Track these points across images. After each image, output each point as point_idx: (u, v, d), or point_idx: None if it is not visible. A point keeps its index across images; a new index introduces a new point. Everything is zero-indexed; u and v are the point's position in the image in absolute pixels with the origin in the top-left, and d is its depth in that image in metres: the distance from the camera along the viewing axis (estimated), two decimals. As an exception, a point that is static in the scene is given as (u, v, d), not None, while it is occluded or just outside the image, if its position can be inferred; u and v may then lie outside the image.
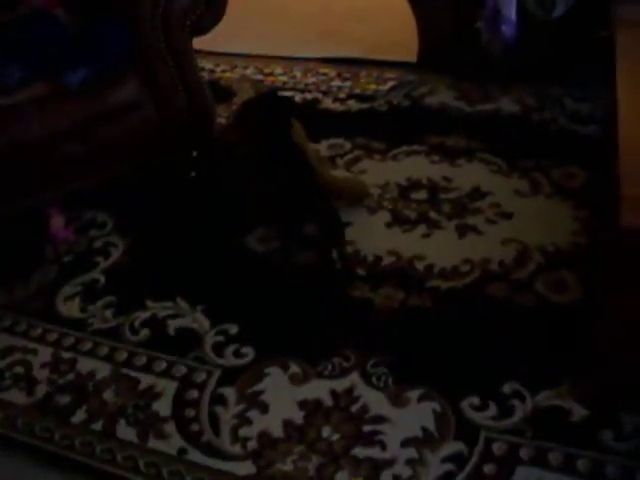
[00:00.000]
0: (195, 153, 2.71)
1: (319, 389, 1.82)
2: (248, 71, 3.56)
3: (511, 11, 3.10)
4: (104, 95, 2.37)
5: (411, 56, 3.42)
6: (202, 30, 2.51)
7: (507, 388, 1.76)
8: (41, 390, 1.96)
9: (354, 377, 1.84)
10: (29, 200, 2.38)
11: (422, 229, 2.33)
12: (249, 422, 1.77)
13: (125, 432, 1.80)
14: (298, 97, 3.25)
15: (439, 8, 3.32)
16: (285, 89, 3.34)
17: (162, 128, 2.51)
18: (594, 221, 2.29)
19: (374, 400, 1.77)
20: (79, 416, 1.86)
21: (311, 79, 3.41)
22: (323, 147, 2.81)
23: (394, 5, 3.43)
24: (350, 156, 2.75)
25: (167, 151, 2.58)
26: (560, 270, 2.12)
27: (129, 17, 2.38)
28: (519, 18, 3.12)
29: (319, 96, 3.24)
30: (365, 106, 3.12)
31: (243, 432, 1.74)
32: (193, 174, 2.72)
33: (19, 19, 2.33)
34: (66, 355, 2.05)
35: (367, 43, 3.67)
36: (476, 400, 1.74)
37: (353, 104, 3.14)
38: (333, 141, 2.85)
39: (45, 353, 2.07)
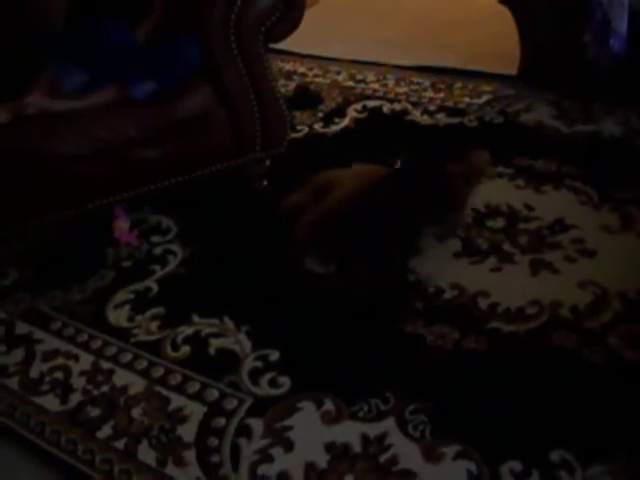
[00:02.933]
0: (268, 163, 2.61)
1: (350, 432, 1.69)
2: (340, 77, 3.45)
3: (622, 24, 2.85)
4: (174, 105, 2.31)
5: (511, 68, 3.20)
6: (278, 37, 2.41)
7: (555, 456, 1.57)
8: (75, 399, 1.91)
9: (389, 422, 1.69)
10: (96, 203, 2.34)
11: (492, 262, 2.15)
12: (270, 459, 1.66)
13: (146, 454, 1.73)
14: (387, 107, 3.09)
15: (543, 19, 3.09)
16: (375, 97, 3.19)
17: (234, 138, 2.44)
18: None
19: (406, 451, 1.62)
20: (105, 431, 1.80)
21: (403, 88, 3.26)
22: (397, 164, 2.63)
23: (497, 14, 3.22)
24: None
25: (239, 161, 2.49)
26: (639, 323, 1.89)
27: (200, 24, 2.30)
28: (630, 32, 2.85)
29: (408, 107, 3.08)
30: (454, 121, 2.95)
31: (262, 470, 1.64)
32: (265, 183, 2.62)
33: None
34: (105, 365, 2.00)
35: (466, 52, 3.50)
36: (518, 466, 1.56)
37: (442, 118, 2.97)
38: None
39: (86, 361, 2.03)
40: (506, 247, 2.19)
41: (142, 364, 1.98)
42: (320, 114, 3.08)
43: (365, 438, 1.67)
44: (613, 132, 2.78)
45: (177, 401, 1.85)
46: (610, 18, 2.84)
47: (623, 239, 2.20)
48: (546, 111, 2.92)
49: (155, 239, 2.45)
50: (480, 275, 2.10)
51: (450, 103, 3.09)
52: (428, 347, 1.89)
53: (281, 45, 2.59)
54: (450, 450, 1.61)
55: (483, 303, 2.00)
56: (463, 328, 1.92)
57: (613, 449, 1.55)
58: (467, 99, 3.12)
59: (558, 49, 3.05)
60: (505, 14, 3.12)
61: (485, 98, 3.11)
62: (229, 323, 2.05)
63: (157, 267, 2.32)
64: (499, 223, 2.30)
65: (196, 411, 1.81)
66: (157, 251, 2.40)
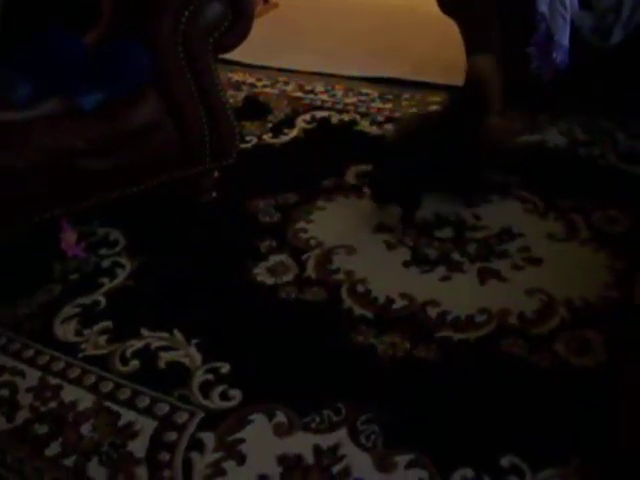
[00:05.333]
0: (216, 174, 2.60)
1: (302, 443, 1.69)
2: (289, 87, 3.45)
3: (564, 37, 2.90)
4: (121, 115, 2.28)
5: (459, 79, 3.23)
6: (227, 47, 2.41)
7: (506, 462, 1.59)
8: (22, 416, 1.87)
9: (342, 433, 1.69)
10: (42, 215, 2.29)
11: (442, 271, 2.17)
12: (223, 473, 1.65)
13: (96, 471, 1.70)
14: (335, 118, 3.10)
15: (486, 29, 3.13)
16: (324, 108, 3.20)
17: (182, 149, 2.42)
18: (631, 276, 2.09)
19: (359, 462, 1.63)
20: (53, 449, 1.76)
21: (351, 99, 3.28)
22: (350, 176, 2.65)
23: (444, 24, 3.25)
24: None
25: (187, 172, 2.47)
26: (585, 329, 1.93)
27: (148, 32, 2.28)
28: (572, 45, 2.91)
29: (357, 117, 3.10)
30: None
31: (215, 484, 1.61)
32: (214, 195, 2.61)
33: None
34: (53, 381, 1.96)
35: (414, 63, 3.54)
36: (469, 473, 1.57)
37: (390, 128, 2.98)
38: (362, 168, 2.68)
39: (33, 377, 1.99)
40: (455, 256, 2.22)
41: (91, 379, 1.95)
42: (269, 125, 3.07)
43: (318, 449, 1.66)
44: (558, 142, 2.83)
45: (127, 416, 1.82)
46: (553, 32, 2.89)
47: (568, 247, 2.24)
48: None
49: (103, 251, 2.41)
50: (429, 284, 2.12)
51: (398, 114, 3.12)
52: (379, 356, 1.88)
53: (230, 56, 2.59)
54: (402, 459, 1.62)
55: (433, 312, 2.01)
56: (413, 337, 1.94)
57: (563, 453, 1.57)
58: (415, 110, 3.15)
59: (503, 61, 3.09)
60: (451, 24, 3.16)
61: (432, 108, 3.13)
62: (179, 336, 2.03)
63: (105, 280, 2.29)
64: (447, 233, 2.33)
65: (147, 426, 1.78)
66: (105, 264, 2.36)
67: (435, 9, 3.02)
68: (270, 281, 2.18)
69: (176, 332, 2.05)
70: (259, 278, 2.19)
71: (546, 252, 2.22)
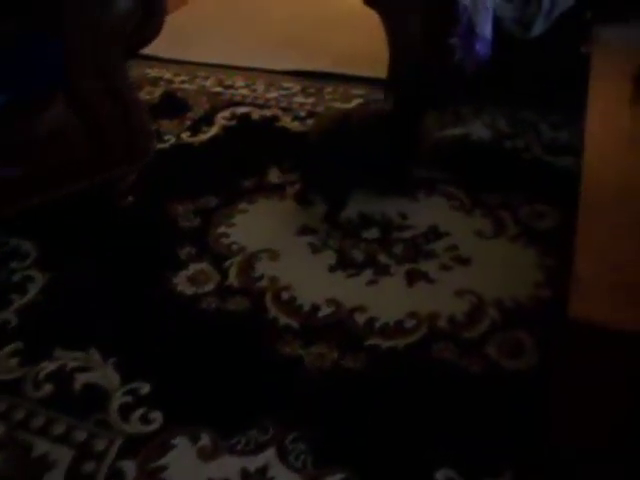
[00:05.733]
0: (133, 177, 2.47)
1: (229, 467, 1.60)
2: (208, 82, 3.33)
3: (486, 29, 2.86)
4: (28, 118, 2.12)
5: (381, 71, 3.17)
6: (138, 44, 2.27)
7: (440, 476, 1.53)
8: None
9: (270, 454, 1.61)
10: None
11: (368, 274, 2.10)
12: (146, 505, 1.53)
13: (8, 510, 1.56)
14: (256, 114, 3.00)
15: (410, 22, 3.07)
16: (244, 104, 3.10)
17: (95, 153, 2.28)
18: (560, 273, 2.06)
19: (288, 484, 1.54)
20: (-40, 487, 1.62)
21: (272, 94, 3.18)
22: (273, 175, 2.55)
23: (366, 15, 3.18)
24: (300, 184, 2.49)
25: (101, 177, 2.34)
26: (516, 330, 1.89)
27: (54, 29, 2.13)
28: (495, 36, 2.87)
29: (278, 113, 3.00)
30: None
31: (137, 517, 1.51)
32: (131, 199, 2.48)
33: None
34: (-41, 411, 1.81)
35: (336, 55, 3.46)
36: (403, 491, 1.50)
37: (313, 123, 2.89)
38: (285, 166, 2.60)
39: None
40: (382, 258, 2.16)
41: (1, 407, 1.81)
42: (188, 122, 2.96)
43: (245, 472, 1.58)
44: (482, 135, 2.80)
45: (41, 446, 1.70)
46: (475, 24, 2.85)
47: (496, 245, 2.20)
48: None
49: (13, 265, 2.26)
50: (356, 289, 2.05)
51: (321, 108, 3.04)
52: (307, 368, 1.81)
53: (146, 50, 2.45)
54: (333, 478, 1.54)
55: (361, 318, 1.95)
56: (341, 346, 1.87)
57: (498, 463, 1.52)
58: (338, 104, 3.08)
59: (426, 52, 3.04)
60: (374, 16, 3.09)
61: (355, 102, 3.07)
62: (95, 355, 1.92)
63: (15, 296, 2.14)
64: (374, 233, 2.26)
65: (63, 456, 1.67)
66: (16, 278, 2.21)
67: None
68: (190, 291, 2.07)
69: (92, 351, 1.93)
70: (179, 288, 2.09)
71: (474, 251, 2.17)
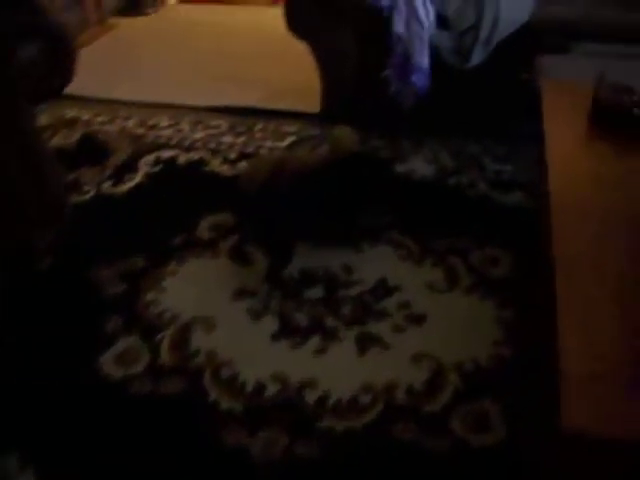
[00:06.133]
0: (51, 237, 2.23)
1: None
2: (130, 123, 3.10)
3: (423, 59, 2.72)
4: None
5: (314, 106, 3.00)
6: (46, 95, 2.06)
7: None
8: None
9: None
10: None
11: (316, 342, 1.91)
12: None
13: None
14: (182, 158, 2.78)
15: (342, 52, 2.91)
16: (169, 146, 2.87)
17: (2, 215, 2.03)
18: (519, 328, 1.91)
19: None
20: None
21: (199, 134, 2.97)
22: (204, 229, 2.34)
23: (297, 46, 3.00)
24: (234, 239, 2.29)
25: (12, 242, 2.09)
26: (480, 399, 1.72)
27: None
28: (432, 67, 2.73)
29: (206, 156, 2.79)
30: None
31: None
32: (49, 262, 2.24)
33: None
34: None
35: (266, 89, 3.28)
36: None
37: (244, 166, 2.69)
38: (217, 218, 2.39)
39: None
40: (328, 321, 1.97)
41: None
42: (109, 170, 2.72)
43: None
44: (425, 172, 2.65)
45: None
46: (411, 54, 2.71)
47: (450, 299, 2.05)
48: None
49: None
50: (303, 360, 1.86)
51: (251, 149, 2.84)
52: (255, 459, 1.60)
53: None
54: None
55: (311, 396, 1.75)
56: (292, 431, 1.67)
57: None
58: (269, 142, 2.89)
59: (360, 85, 2.89)
60: (305, 47, 2.93)
61: (289, 140, 2.88)
62: (10, 464, 1.66)
63: None
64: (318, 292, 2.08)
65: None
66: None
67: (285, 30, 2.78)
68: (119, 373, 1.85)
69: (6, 457, 1.67)
70: (105, 369, 1.86)
71: (428, 306, 2.00)
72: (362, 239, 2.29)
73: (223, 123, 3.05)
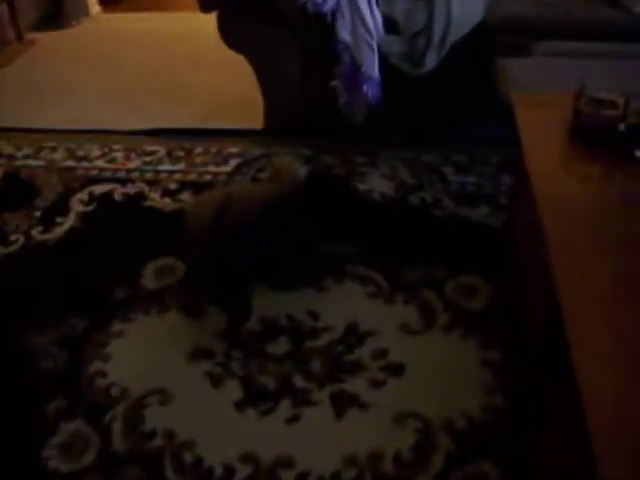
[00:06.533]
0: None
1: None
2: (57, 155, 2.83)
3: (373, 67, 2.51)
4: None
5: (257, 122, 2.77)
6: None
7: None
8: None
9: None
10: None
11: (286, 407, 1.70)
12: None
13: None
14: (118, 192, 2.52)
15: (283, 63, 2.68)
16: (103, 179, 2.61)
17: None
18: (507, 370, 1.72)
19: None
20: None
21: (135, 162, 2.72)
22: (148, 276, 2.10)
23: (234, 59, 2.77)
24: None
25: None
26: (478, 462, 1.54)
27: None
28: (383, 75, 2.52)
29: (144, 188, 2.54)
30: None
31: None
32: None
33: None
34: None
35: (203, 105, 3.06)
36: None
37: (187, 198, 2.46)
38: (162, 262, 2.15)
39: None
40: (298, 381, 1.77)
41: None
42: (37, 213, 2.45)
43: None
44: (384, 189, 2.45)
45: None
46: (360, 63, 2.50)
47: (429, 341, 1.86)
48: (304, 171, 2.51)
49: None
50: (274, 432, 1.65)
51: (193, 176, 2.60)
52: None
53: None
54: None
55: (287, 477, 1.53)
56: (269, 523, 1.45)
57: None
58: (212, 167, 2.65)
59: (306, 97, 2.67)
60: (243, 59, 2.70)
61: (233, 163, 2.65)
62: None
63: None
64: (283, 346, 1.87)
65: None
66: None
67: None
68: (66, 467, 1.61)
69: None
70: (50, 465, 1.61)
71: (406, 352, 1.82)
72: (325, 275, 2.06)
73: (159, 148, 2.80)
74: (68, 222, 2.41)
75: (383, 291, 2.02)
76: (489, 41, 2.46)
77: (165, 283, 2.10)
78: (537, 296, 1.64)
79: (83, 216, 2.43)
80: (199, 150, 2.77)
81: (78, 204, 2.50)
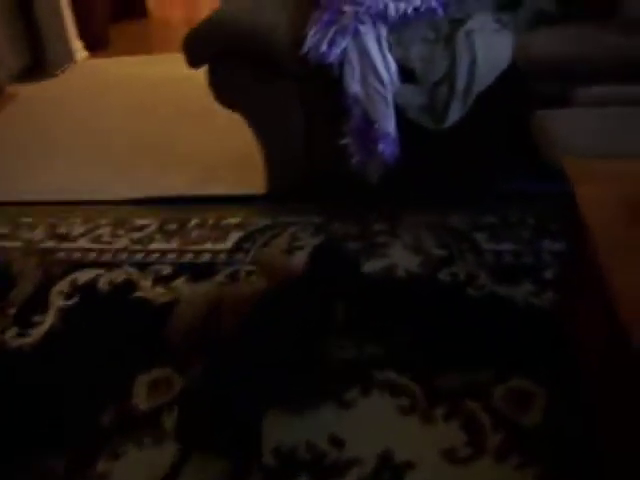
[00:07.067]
0: None
1: None
2: (36, 234, 2.49)
3: (388, 123, 2.18)
4: None
5: (259, 186, 2.44)
6: None
7: None
8: None
9: None
10: None
11: None
12: None
13: None
14: (104, 280, 2.20)
15: (286, 122, 2.35)
16: (86, 264, 2.29)
17: None
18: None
19: None
20: None
21: (122, 240, 2.40)
22: (139, 391, 1.77)
23: (231, 118, 2.46)
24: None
25: None
26: None
27: None
28: (400, 129, 2.19)
29: (133, 274, 2.21)
30: (200, 287, 2.11)
31: None
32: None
33: None
34: None
35: (198, 166, 2.75)
36: None
37: (182, 285, 2.13)
38: (155, 374, 1.82)
39: None
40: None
41: None
42: (12, 310, 2.13)
43: None
44: (408, 264, 2.12)
45: None
46: (373, 118, 2.18)
47: (480, 473, 1.50)
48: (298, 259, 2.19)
49: None
50: None
51: (189, 256, 2.28)
52: None
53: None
54: None
55: None
56: None
57: None
58: (210, 244, 2.32)
59: (312, 157, 2.34)
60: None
61: (234, 238, 2.32)
62: None
63: None
64: (302, 483, 1.52)
65: None
66: None
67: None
68: None
69: None
70: None
71: (454, 491, 1.46)
72: (347, 386, 1.72)
73: (150, 222, 2.48)
74: (47, 322, 2.07)
75: (419, 404, 1.69)
76: (520, 88, 2.12)
77: (160, 401, 1.76)
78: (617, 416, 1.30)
79: (63, 313, 2.11)
80: (195, 222, 2.46)
81: (58, 297, 2.17)
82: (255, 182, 2.51)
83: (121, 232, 2.46)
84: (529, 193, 2.34)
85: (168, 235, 2.41)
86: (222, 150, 2.84)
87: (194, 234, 2.40)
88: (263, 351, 1.57)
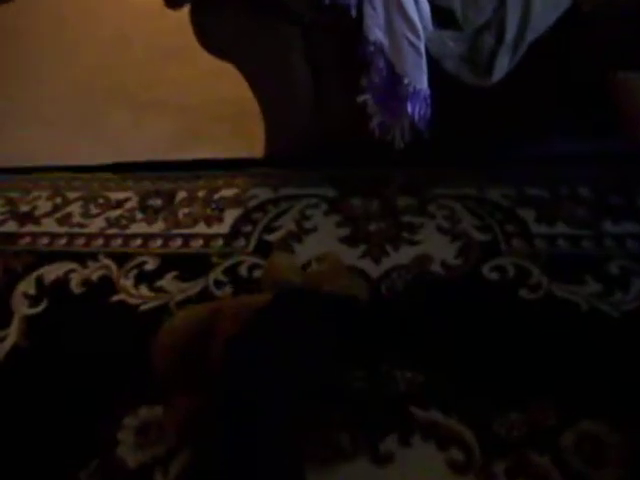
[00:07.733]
0: None
1: None
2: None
3: (420, 77, 1.76)
4: None
5: (259, 142, 2.04)
6: None
7: None
8: None
9: None
10: None
11: None
12: None
13: None
14: (75, 278, 1.82)
15: (289, 70, 1.94)
16: (55, 254, 1.90)
17: None
18: None
19: None
20: None
21: (99, 221, 2.00)
22: (126, 436, 1.44)
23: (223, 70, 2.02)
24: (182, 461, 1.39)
25: None
26: None
27: None
28: (433, 86, 1.77)
29: (112, 269, 1.83)
30: (193, 288, 1.74)
31: None
32: None
33: None
34: None
35: (185, 118, 2.30)
36: None
37: (170, 285, 1.76)
38: (143, 415, 1.48)
39: None
40: None
41: None
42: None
43: None
44: (444, 255, 1.78)
45: None
46: (400, 72, 1.75)
47: None
48: (332, 231, 1.81)
49: None
50: None
51: (177, 244, 1.88)
52: None
53: None
54: None
55: None
56: None
57: None
58: (202, 226, 1.93)
59: (323, 116, 1.93)
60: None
61: (230, 218, 1.93)
62: None
63: None
64: None
65: None
66: None
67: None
68: None
69: None
70: None
71: None
72: (384, 432, 1.38)
73: (129, 195, 2.06)
74: (10, 337, 1.69)
75: (474, 457, 1.34)
76: (583, 35, 1.70)
77: (152, 454, 1.41)
78: None
79: (29, 324, 1.72)
80: (182, 195, 2.04)
81: (23, 302, 1.78)
82: (253, 142, 2.09)
83: (94, 210, 2.05)
84: (578, 155, 1.94)
85: (151, 214, 2.01)
86: (216, 97, 2.39)
87: (182, 213, 1.99)
88: (280, 402, 1.22)
